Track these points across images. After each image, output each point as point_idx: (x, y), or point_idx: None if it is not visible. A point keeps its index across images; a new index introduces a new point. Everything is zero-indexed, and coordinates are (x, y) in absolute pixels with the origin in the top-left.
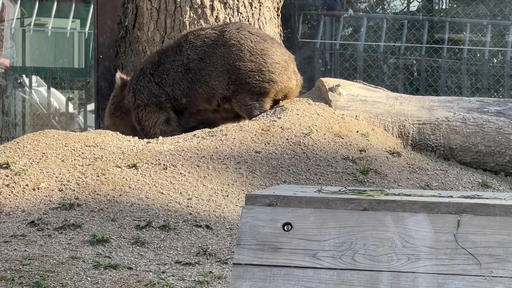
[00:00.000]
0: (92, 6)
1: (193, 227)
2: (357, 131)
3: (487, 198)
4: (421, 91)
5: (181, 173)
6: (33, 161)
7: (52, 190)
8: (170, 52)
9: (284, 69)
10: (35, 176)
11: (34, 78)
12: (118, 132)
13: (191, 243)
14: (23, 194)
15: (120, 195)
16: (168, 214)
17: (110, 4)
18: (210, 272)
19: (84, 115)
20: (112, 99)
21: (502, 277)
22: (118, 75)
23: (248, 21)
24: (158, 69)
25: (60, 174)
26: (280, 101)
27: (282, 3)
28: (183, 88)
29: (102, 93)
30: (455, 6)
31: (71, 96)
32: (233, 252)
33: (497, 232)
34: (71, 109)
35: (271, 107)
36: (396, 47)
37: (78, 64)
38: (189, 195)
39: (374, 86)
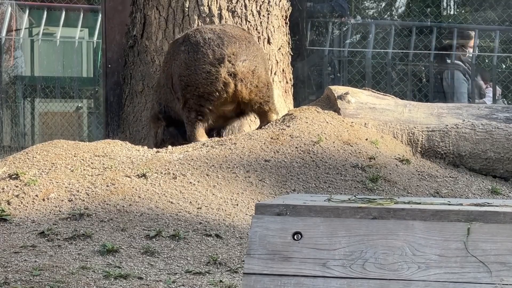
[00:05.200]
0: (100, 15)
1: (203, 236)
2: (366, 139)
3: (497, 206)
4: (430, 98)
5: (190, 182)
6: (42, 171)
7: (62, 200)
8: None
9: None
10: (45, 186)
11: None
12: (127, 142)
13: (201, 252)
14: (32, 204)
15: (129, 204)
16: (178, 224)
17: (118, 19)
18: (221, 281)
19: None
20: None
21: None
22: None
23: (256, 29)
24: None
25: (69, 184)
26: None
27: (290, 11)
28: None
29: (110, 103)
30: (463, 12)
31: (80, 105)
32: (243, 261)
33: (508, 239)
34: None
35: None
36: (405, 53)
37: (87, 73)
38: (198, 204)
39: (382, 93)
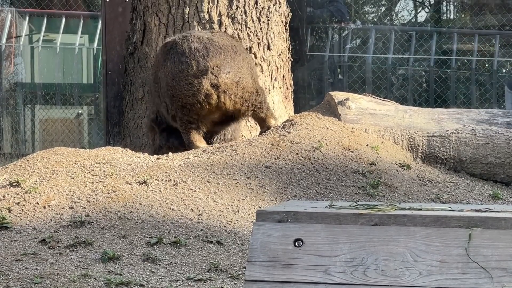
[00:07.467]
0: (100, 23)
1: (204, 243)
2: (367, 145)
3: (498, 211)
4: (430, 102)
5: (191, 189)
6: (43, 179)
7: (63, 208)
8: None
9: None
10: (46, 193)
11: None
12: (128, 149)
13: (202, 259)
14: (33, 212)
15: (130, 212)
16: (179, 230)
17: (119, 29)
18: None
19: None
20: None
21: None
22: None
23: (256, 35)
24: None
25: (70, 191)
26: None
27: (290, 17)
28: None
29: (111, 111)
30: (463, 16)
31: (80, 112)
32: (245, 268)
33: (509, 245)
34: None
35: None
36: (405, 58)
37: (87, 79)
38: (199, 211)
39: (383, 99)
